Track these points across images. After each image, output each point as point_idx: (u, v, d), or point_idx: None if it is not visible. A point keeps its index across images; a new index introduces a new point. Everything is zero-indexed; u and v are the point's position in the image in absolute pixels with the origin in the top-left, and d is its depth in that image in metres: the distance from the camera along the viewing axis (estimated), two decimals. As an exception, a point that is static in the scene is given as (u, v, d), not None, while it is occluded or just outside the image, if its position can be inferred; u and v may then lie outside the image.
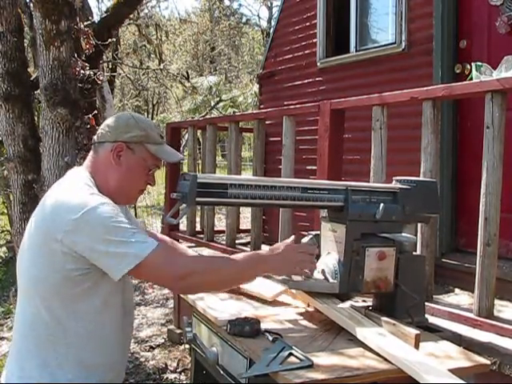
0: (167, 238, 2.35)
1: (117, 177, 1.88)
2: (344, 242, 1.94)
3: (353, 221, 1.94)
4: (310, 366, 1.58)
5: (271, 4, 23.07)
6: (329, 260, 1.98)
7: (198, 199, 1.75)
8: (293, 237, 1.99)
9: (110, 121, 1.94)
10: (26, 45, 5.12)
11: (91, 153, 1.94)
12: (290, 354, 1.64)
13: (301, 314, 2.08)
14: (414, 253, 2.29)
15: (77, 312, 1.78)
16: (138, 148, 1.88)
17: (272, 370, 1.57)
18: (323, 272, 1.96)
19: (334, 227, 2.00)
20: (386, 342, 1.72)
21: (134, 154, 1.88)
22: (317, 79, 5.26)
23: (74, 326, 1.78)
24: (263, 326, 1.88)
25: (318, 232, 2.09)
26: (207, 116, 11.87)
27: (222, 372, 1.95)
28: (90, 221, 1.69)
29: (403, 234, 2.03)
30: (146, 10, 12.44)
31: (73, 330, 1.77)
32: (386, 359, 1.64)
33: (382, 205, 1.96)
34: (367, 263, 1.95)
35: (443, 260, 3.61)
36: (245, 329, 1.80)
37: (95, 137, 1.93)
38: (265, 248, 4.35)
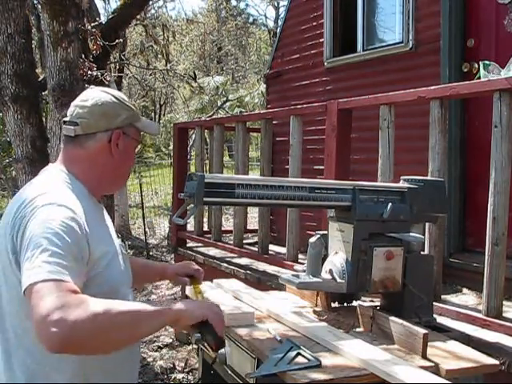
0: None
1: (114, 166, 1.67)
2: (352, 242, 1.94)
3: (360, 220, 1.94)
4: (318, 366, 1.58)
5: (278, 4, 23.09)
6: (336, 260, 1.98)
7: (205, 199, 1.75)
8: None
9: (90, 106, 1.65)
10: (33, 46, 5.15)
11: (69, 147, 1.66)
12: (298, 354, 1.64)
13: (308, 314, 2.08)
14: (422, 252, 2.29)
15: None
16: (129, 130, 1.69)
17: (280, 370, 1.57)
18: (331, 272, 1.96)
19: (342, 227, 2.00)
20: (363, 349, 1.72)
21: (128, 138, 1.68)
22: (324, 79, 5.26)
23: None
24: (267, 326, 1.88)
25: (326, 232, 2.09)
26: (214, 116, 11.88)
27: (229, 372, 1.95)
28: (23, 218, 1.45)
29: (411, 234, 2.03)
30: (153, 11, 12.48)
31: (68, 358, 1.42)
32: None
33: (389, 204, 1.96)
34: (375, 263, 1.95)
35: (451, 260, 3.60)
36: None
37: (75, 128, 1.63)
38: (274, 248, 4.36)
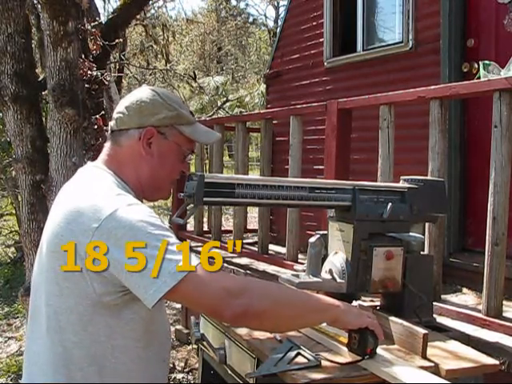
0: None
1: (148, 168, 1.57)
2: (351, 242, 1.94)
3: (360, 220, 1.94)
4: (318, 366, 1.58)
5: (278, 4, 23.10)
6: (336, 260, 1.98)
7: (205, 199, 1.75)
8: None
9: (128, 101, 1.58)
10: (33, 46, 5.14)
11: (109, 144, 1.60)
12: (298, 354, 1.64)
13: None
14: (422, 252, 2.28)
15: (115, 347, 1.46)
16: (170, 132, 1.58)
17: (279, 370, 1.57)
18: (331, 272, 1.96)
19: (342, 227, 1.99)
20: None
21: (165, 140, 1.57)
22: (324, 79, 5.26)
23: (112, 364, 1.46)
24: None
25: (326, 232, 2.09)
26: (214, 116, 11.88)
27: (229, 372, 1.95)
28: (114, 228, 1.36)
29: (411, 234, 2.02)
30: (153, 11, 12.48)
31: (110, 368, 1.46)
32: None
33: (389, 204, 1.95)
34: (375, 263, 1.94)
35: (451, 259, 3.60)
36: None
37: (112, 123, 1.60)
38: (274, 248, 4.36)
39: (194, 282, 1.35)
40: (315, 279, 1.97)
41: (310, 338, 1.80)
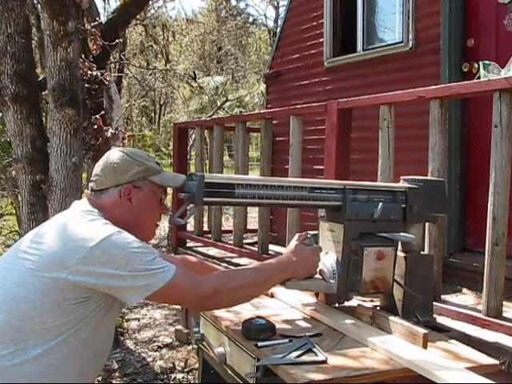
0: (178, 257, 2.34)
1: (131, 217, 1.81)
2: (342, 242, 1.93)
3: (351, 220, 1.93)
4: (324, 362, 1.59)
5: (278, 4, 23.10)
6: (327, 260, 1.97)
7: (205, 199, 1.75)
8: (297, 235, 1.99)
9: (103, 165, 1.85)
10: (33, 46, 5.14)
11: (92, 196, 1.85)
12: (309, 350, 1.65)
13: (308, 314, 2.08)
14: (422, 252, 2.28)
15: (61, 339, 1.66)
16: (143, 183, 1.84)
17: (283, 362, 1.58)
18: (321, 272, 1.95)
19: (332, 227, 1.98)
20: (395, 344, 1.72)
21: (141, 191, 1.83)
22: (324, 79, 5.26)
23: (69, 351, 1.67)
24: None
25: (317, 232, 2.08)
26: (214, 116, 11.88)
27: (229, 372, 1.95)
28: (108, 249, 1.62)
29: (401, 234, 2.00)
30: (153, 11, 12.47)
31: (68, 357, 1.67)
32: (392, 359, 1.64)
33: (380, 204, 1.94)
34: (365, 263, 1.94)
35: (451, 259, 3.59)
36: (260, 336, 1.77)
37: (92, 184, 1.85)
38: (274, 248, 4.36)
39: (172, 292, 1.67)
40: (305, 280, 1.96)
41: (312, 336, 1.80)
